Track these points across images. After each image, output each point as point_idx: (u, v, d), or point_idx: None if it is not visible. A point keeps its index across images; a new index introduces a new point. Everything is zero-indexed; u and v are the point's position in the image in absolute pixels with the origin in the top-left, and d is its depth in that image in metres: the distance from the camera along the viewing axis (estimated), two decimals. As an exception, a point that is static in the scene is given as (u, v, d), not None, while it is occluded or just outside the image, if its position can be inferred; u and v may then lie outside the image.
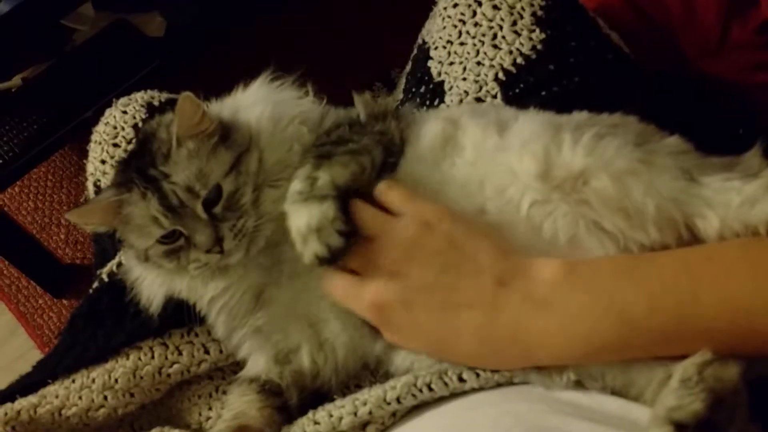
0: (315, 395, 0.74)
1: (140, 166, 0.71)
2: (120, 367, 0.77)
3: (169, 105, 0.94)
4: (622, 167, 0.64)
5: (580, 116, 0.71)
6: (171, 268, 0.72)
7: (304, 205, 0.64)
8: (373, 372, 0.75)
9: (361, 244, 0.65)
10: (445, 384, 0.65)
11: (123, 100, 0.94)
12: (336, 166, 0.65)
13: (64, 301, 1.73)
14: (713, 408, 0.54)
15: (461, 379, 0.65)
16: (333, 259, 0.63)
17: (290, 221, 0.65)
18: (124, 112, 0.92)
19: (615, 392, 0.62)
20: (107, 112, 0.94)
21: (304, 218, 0.63)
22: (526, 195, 0.66)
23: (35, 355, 1.65)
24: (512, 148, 0.68)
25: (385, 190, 0.67)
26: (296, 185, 0.65)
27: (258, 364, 0.75)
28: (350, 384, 0.75)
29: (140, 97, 0.95)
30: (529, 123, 0.71)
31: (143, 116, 0.91)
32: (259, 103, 0.76)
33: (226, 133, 0.71)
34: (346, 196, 0.64)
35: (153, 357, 0.77)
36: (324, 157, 0.66)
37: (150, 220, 0.70)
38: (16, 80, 1.55)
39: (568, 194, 0.65)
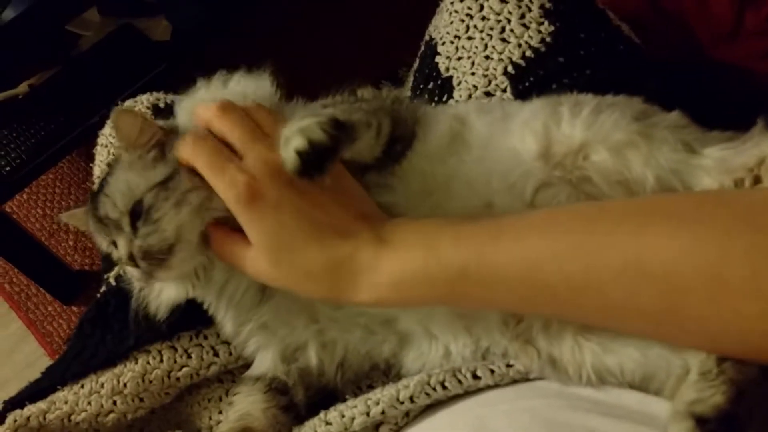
0: (325, 395, 0.73)
1: (102, 178, 0.73)
2: (129, 372, 0.76)
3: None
4: (621, 139, 0.63)
5: (579, 95, 0.71)
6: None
7: (297, 122, 0.58)
8: (385, 372, 0.74)
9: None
10: (459, 381, 0.63)
11: (128, 102, 0.94)
12: (338, 108, 0.62)
13: (74, 308, 1.73)
14: (735, 400, 0.53)
15: (475, 376, 0.63)
16: (314, 159, 0.56)
17: (281, 135, 0.59)
18: (130, 114, 0.92)
19: (634, 388, 0.61)
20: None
21: (292, 127, 0.58)
22: (530, 179, 0.65)
23: (45, 363, 1.64)
24: (514, 131, 0.68)
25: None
26: (296, 117, 0.60)
27: (265, 361, 0.74)
28: (362, 384, 0.74)
29: (146, 99, 0.94)
30: (530, 105, 0.71)
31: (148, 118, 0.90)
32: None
33: (168, 148, 0.69)
34: (346, 129, 0.59)
35: (162, 360, 0.76)
36: (326, 106, 0.64)
37: (96, 230, 0.71)
38: (23, 87, 1.54)
39: (569, 171, 0.64)
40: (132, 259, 0.67)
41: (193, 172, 0.64)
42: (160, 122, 0.73)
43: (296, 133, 0.57)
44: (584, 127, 0.65)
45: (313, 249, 0.61)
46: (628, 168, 0.62)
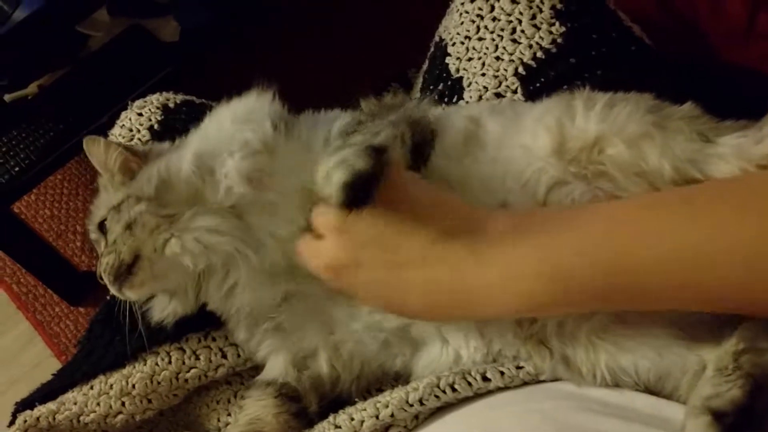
0: (335, 401, 0.72)
1: None
2: (137, 373, 0.76)
3: (185, 107, 0.94)
4: (637, 131, 0.63)
5: (591, 92, 0.70)
6: None
7: (333, 154, 0.58)
8: (395, 377, 0.74)
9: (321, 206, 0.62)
10: (469, 384, 0.63)
11: (138, 102, 0.94)
12: (367, 133, 0.61)
13: (81, 309, 1.73)
14: (752, 394, 0.53)
15: (485, 378, 0.63)
16: (361, 188, 0.54)
17: (320, 172, 0.58)
18: (140, 114, 0.92)
19: (650, 387, 0.61)
20: (123, 114, 0.94)
21: (330, 163, 0.57)
22: (543, 176, 0.64)
23: (52, 364, 1.65)
24: (527, 128, 0.67)
25: None
26: (329, 150, 0.60)
27: (276, 366, 0.74)
28: (371, 387, 0.74)
29: (155, 99, 0.94)
30: (542, 103, 0.71)
31: (158, 118, 0.91)
32: (192, 145, 0.73)
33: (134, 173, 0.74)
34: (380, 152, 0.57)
35: (170, 362, 0.77)
36: (351, 134, 0.63)
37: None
38: (33, 87, 1.55)
39: (584, 167, 0.64)
40: (101, 277, 0.72)
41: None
42: (141, 147, 0.80)
43: (337, 166, 0.56)
44: (598, 120, 0.64)
45: (415, 292, 0.60)
46: (645, 160, 0.62)
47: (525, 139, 0.67)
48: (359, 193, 0.54)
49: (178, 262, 0.70)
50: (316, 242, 0.62)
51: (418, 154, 0.66)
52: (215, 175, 0.69)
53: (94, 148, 0.75)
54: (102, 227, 0.73)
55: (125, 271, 0.70)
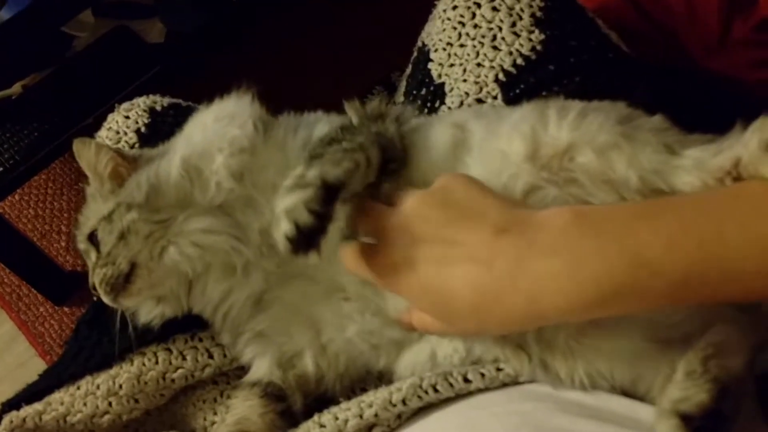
0: (320, 399, 0.74)
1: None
2: (124, 373, 0.77)
3: (172, 110, 0.94)
4: (606, 141, 0.64)
5: (566, 100, 0.71)
6: None
7: (287, 194, 0.59)
8: (378, 377, 0.75)
9: (370, 208, 0.62)
10: (451, 385, 0.65)
11: (125, 105, 0.94)
12: (327, 163, 0.62)
13: (66, 309, 1.72)
14: (719, 398, 0.54)
15: (466, 380, 0.65)
16: (303, 241, 0.57)
17: (275, 211, 0.60)
18: (127, 117, 0.93)
19: (624, 390, 0.62)
20: (110, 117, 0.94)
21: (282, 204, 0.59)
22: (518, 181, 0.65)
23: (36, 364, 1.65)
24: (503, 134, 0.68)
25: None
26: (287, 182, 0.61)
27: (260, 368, 0.75)
28: (355, 387, 0.75)
29: (143, 102, 0.95)
30: (519, 109, 0.72)
31: (146, 121, 0.91)
32: (178, 148, 0.75)
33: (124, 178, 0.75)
34: (333, 191, 0.60)
35: (157, 362, 0.77)
36: (315, 158, 0.64)
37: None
38: (17, 87, 1.54)
39: (555, 173, 0.65)
40: (95, 288, 0.72)
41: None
42: (131, 151, 0.79)
43: (283, 215, 0.58)
44: (570, 129, 0.66)
45: (464, 288, 0.57)
46: (613, 169, 0.63)
47: (502, 144, 0.68)
48: (301, 246, 0.57)
49: (177, 268, 0.72)
50: (363, 244, 0.62)
51: (384, 171, 0.67)
52: (203, 174, 0.72)
53: (85, 151, 0.75)
54: (93, 238, 0.73)
55: (122, 281, 0.71)
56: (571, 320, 0.59)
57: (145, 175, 0.73)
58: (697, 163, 0.61)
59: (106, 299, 0.73)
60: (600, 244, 0.53)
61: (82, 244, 0.75)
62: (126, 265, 0.71)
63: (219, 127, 0.74)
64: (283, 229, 0.57)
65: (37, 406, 0.77)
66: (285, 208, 0.58)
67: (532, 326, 0.61)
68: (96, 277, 0.72)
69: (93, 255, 0.73)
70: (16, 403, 0.78)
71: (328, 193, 0.59)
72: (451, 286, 0.57)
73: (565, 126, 0.66)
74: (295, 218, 0.57)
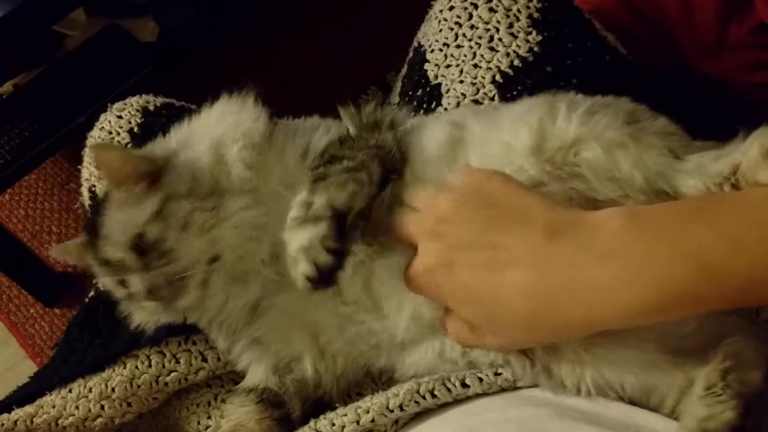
0: (316, 404, 0.73)
1: (92, 215, 0.74)
2: (117, 376, 0.76)
3: (165, 109, 0.93)
4: (613, 139, 0.64)
5: (575, 95, 0.71)
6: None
7: (299, 228, 0.61)
8: (375, 380, 0.75)
9: (407, 213, 0.62)
10: (448, 390, 0.64)
11: (118, 104, 0.93)
12: (332, 188, 0.63)
13: (56, 310, 1.71)
14: (744, 415, 0.54)
15: (464, 385, 0.64)
16: (323, 280, 0.59)
17: (287, 249, 0.62)
18: (120, 117, 0.91)
19: (634, 401, 0.62)
20: (102, 117, 0.93)
21: (297, 242, 0.60)
22: (522, 176, 0.65)
23: (27, 365, 1.64)
24: (507, 127, 0.68)
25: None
26: (293, 212, 0.63)
27: (256, 374, 0.74)
28: (352, 392, 0.75)
29: (135, 101, 0.94)
30: (523, 102, 0.72)
31: (138, 121, 0.90)
32: (203, 137, 0.74)
33: (159, 173, 0.70)
34: (343, 218, 0.61)
35: (150, 365, 0.77)
36: (320, 180, 0.64)
37: (98, 269, 0.72)
38: (8, 86, 1.53)
39: (559, 168, 0.65)
40: (152, 293, 0.68)
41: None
42: (139, 151, 0.75)
43: (301, 256, 0.59)
44: (579, 123, 0.66)
45: (515, 294, 0.55)
46: (618, 167, 0.64)
47: (506, 137, 0.68)
48: (321, 284, 0.59)
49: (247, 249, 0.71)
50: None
51: (385, 183, 0.67)
52: (225, 161, 0.72)
53: (107, 156, 0.70)
54: (140, 244, 0.68)
55: (183, 279, 0.68)
56: (629, 326, 0.57)
57: (181, 167, 0.71)
58: (697, 168, 0.62)
59: (162, 304, 0.69)
60: (659, 248, 0.51)
61: (118, 254, 0.69)
62: (189, 260, 0.68)
63: (233, 120, 0.74)
64: (302, 270, 0.59)
65: (29, 409, 0.76)
66: (300, 246, 0.60)
67: (587, 333, 0.58)
68: (152, 281, 0.67)
69: (136, 262, 0.68)
70: (6, 405, 0.77)
71: (340, 222, 0.60)
72: (501, 293, 0.56)
73: (575, 119, 0.66)
74: (314, 258, 0.59)
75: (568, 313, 0.54)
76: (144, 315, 0.75)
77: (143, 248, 0.68)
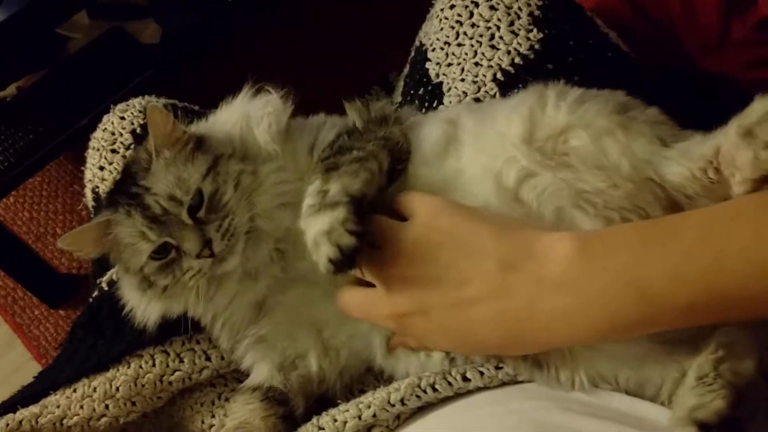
0: (319, 401, 0.73)
1: (123, 187, 0.73)
2: (121, 376, 0.76)
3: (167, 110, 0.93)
4: (601, 127, 0.65)
5: (565, 86, 0.72)
6: (168, 284, 0.71)
7: (317, 215, 0.62)
8: (377, 377, 0.75)
9: (371, 254, 0.63)
10: (449, 384, 0.64)
11: (121, 106, 0.94)
12: (345, 176, 0.64)
13: (61, 312, 1.72)
14: (735, 404, 0.54)
15: (465, 378, 0.64)
16: (346, 262, 0.59)
17: (306, 236, 0.63)
18: (122, 118, 0.92)
19: (629, 393, 0.62)
20: (105, 118, 0.94)
21: (316, 227, 0.61)
22: (514, 166, 0.65)
23: (32, 367, 1.64)
24: (502, 117, 0.69)
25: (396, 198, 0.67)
26: (308, 200, 0.64)
27: (261, 372, 0.75)
28: (354, 389, 0.75)
29: (138, 102, 0.94)
30: (517, 94, 0.73)
31: (141, 122, 0.91)
32: (231, 115, 0.77)
33: (200, 141, 0.72)
34: (359, 204, 0.62)
35: (154, 365, 0.77)
36: (332, 169, 0.65)
37: (138, 236, 0.70)
38: (11, 89, 1.54)
39: (549, 157, 0.65)
40: (208, 247, 0.68)
41: None
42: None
43: (324, 239, 0.60)
44: (568, 111, 0.66)
45: (489, 326, 0.60)
46: (606, 155, 0.64)
47: (500, 127, 0.68)
48: (345, 266, 0.60)
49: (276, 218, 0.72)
50: (366, 291, 0.65)
51: (392, 173, 0.69)
52: (254, 133, 0.74)
53: (160, 117, 0.71)
54: (198, 198, 0.69)
55: (238, 234, 0.69)
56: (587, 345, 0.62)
57: (218, 137, 0.74)
58: (682, 152, 0.62)
59: (214, 261, 0.68)
60: (607, 280, 0.55)
61: (175, 208, 0.69)
62: (245, 215, 0.70)
63: (258, 103, 0.76)
64: (325, 252, 0.60)
65: (34, 408, 0.76)
66: (321, 230, 0.60)
67: (550, 349, 0.62)
68: (210, 235, 0.68)
69: (188, 219, 0.69)
70: (11, 405, 0.77)
71: (357, 206, 0.61)
72: (473, 328, 0.61)
73: (564, 107, 0.67)
74: (336, 241, 0.59)
75: (532, 338, 0.59)
76: (150, 306, 0.74)
77: (195, 206, 0.69)
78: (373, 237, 0.63)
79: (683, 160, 0.62)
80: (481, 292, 0.59)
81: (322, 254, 0.60)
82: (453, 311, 0.61)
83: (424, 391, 0.64)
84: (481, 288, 0.59)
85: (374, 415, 0.65)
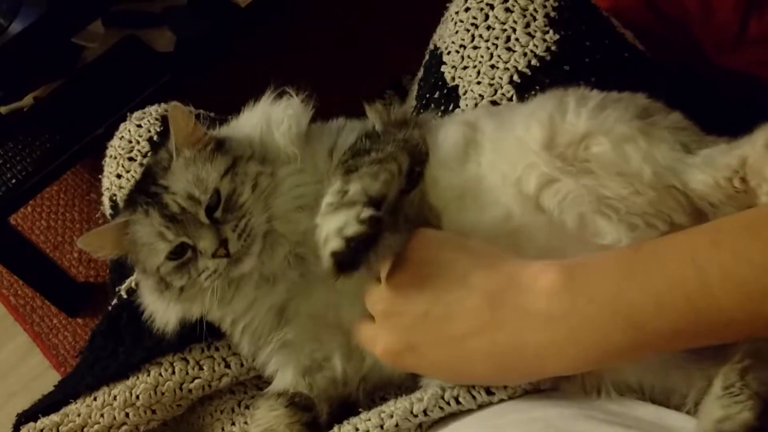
0: (342, 408, 0.73)
1: (143, 186, 0.74)
2: (141, 384, 0.76)
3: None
4: (623, 133, 0.64)
5: (585, 90, 0.71)
6: (184, 284, 0.71)
7: (334, 213, 0.61)
8: (399, 385, 0.74)
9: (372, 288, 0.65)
10: (473, 397, 0.64)
11: (137, 113, 0.94)
12: (365, 177, 0.64)
13: (79, 320, 1.72)
14: (762, 416, 0.53)
15: (489, 392, 0.63)
16: (350, 257, 0.58)
17: (319, 232, 0.62)
18: (139, 126, 0.92)
19: (654, 401, 0.61)
20: (122, 126, 0.94)
21: (331, 225, 0.61)
22: (534, 172, 0.65)
23: (51, 375, 1.65)
24: (520, 122, 0.69)
25: None
26: (328, 198, 0.64)
27: (286, 377, 0.74)
28: (375, 396, 0.74)
29: (154, 110, 0.94)
30: (536, 99, 0.73)
31: (158, 129, 0.91)
32: (252, 117, 0.77)
33: (221, 142, 0.73)
34: (378, 205, 0.61)
35: (174, 372, 0.77)
36: (351, 171, 0.65)
37: (155, 236, 0.70)
38: (28, 99, 1.55)
39: (570, 163, 0.65)
40: (224, 246, 0.68)
41: None
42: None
43: (333, 234, 0.60)
44: (589, 117, 0.66)
45: (480, 360, 0.60)
46: (628, 161, 0.63)
47: (519, 133, 0.68)
48: (347, 260, 0.59)
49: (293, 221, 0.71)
50: (371, 326, 0.66)
51: (411, 176, 0.69)
52: (274, 135, 0.74)
53: (182, 116, 0.72)
54: (215, 197, 0.69)
55: (254, 235, 0.69)
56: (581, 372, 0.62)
57: (239, 139, 0.74)
58: (706, 161, 0.61)
59: (230, 261, 0.68)
60: (594, 311, 0.56)
61: (193, 207, 0.69)
62: (262, 216, 0.70)
63: (279, 106, 0.76)
64: (330, 247, 0.59)
65: (54, 417, 0.76)
66: (335, 228, 0.60)
67: (543, 378, 0.63)
68: (226, 234, 0.68)
69: (205, 218, 0.69)
70: (32, 414, 0.78)
71: (377, 208, 0.61)
72: (464, 363, 0.61)
73: (584, 114, 0.66)
74: (344, 233, 0.59)
75: (524, 369, 0.60)
76: (169, 309, 0.75)
77: (212, 206, 0.69)
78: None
79: (707, 168, 0.61)
80: (470, 327, 0.60)
81: (327, 249, 0.59)
82: (444, 349, 0.61)
83: (448, 403, 0.64)
84: (469, 321, 0.60)
85: (396, 425, 0.64)
